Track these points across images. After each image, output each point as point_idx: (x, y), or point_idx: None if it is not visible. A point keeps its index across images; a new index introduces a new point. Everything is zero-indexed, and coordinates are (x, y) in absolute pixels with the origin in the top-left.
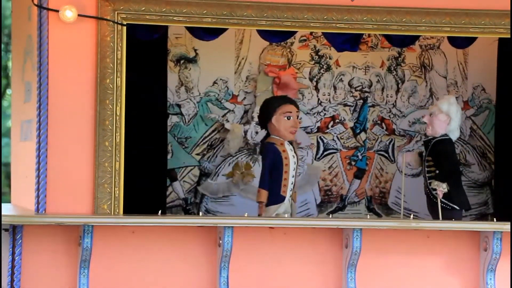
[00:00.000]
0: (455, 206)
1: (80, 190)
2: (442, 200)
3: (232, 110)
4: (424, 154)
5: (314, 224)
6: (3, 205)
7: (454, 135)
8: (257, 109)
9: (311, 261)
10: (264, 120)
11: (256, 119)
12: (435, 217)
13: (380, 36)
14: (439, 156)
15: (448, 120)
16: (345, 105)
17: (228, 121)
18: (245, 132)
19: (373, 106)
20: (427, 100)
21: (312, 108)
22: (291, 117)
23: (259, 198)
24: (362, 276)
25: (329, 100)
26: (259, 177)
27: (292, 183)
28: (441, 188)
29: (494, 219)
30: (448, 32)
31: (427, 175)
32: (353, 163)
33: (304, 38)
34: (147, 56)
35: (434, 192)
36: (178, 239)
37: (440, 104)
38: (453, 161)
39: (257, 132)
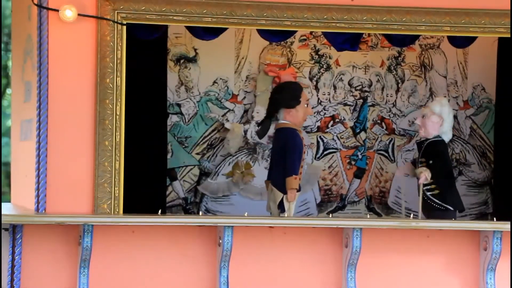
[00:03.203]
0: (449, 207)
1: (80, 189)
2: (436, 201)
3: (232, 110)
4: (417, 155)
5: (314, 223)
6: (3, 204)
7: (447, 136)
8: (257, 108)
9: (311, 261)
10: (289, 105)
11: (256, 118)
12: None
13: (380, 36)
14: (433, 157)
15: (440, 121)
16: (345, 104)
17: (228, 121)
18: (245, 131)
19: (373, 105)
20: (427, 100)
21: (312, 108)
22: (308, 105)
23: (293, 185)
24: (362, 276)
25: (329, 100)
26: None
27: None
28: (426, 174)
29: (494, 218)
30: (448, 31)
31: None
32: (353, 162)
33: (304, 37)
34: (147, 55)
35: (429, 194)
36: (178, 238)
37: (433, 106)
38: (446, 162)
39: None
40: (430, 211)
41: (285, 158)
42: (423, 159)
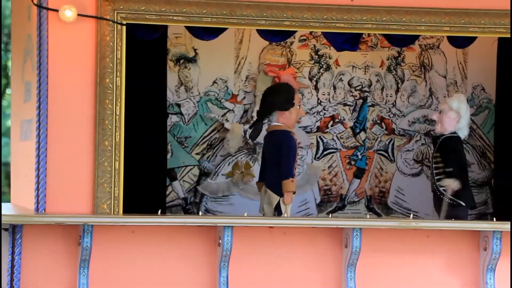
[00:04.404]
0: (462, 203)
1: (80, 189)
2: (449, 196)
3: (232, 110)
4: (432, 150)
5: (314, 223)
6: (3, 204)
7: (463, 133)
8: (257, 109)
9: (311, 261)
10: (283, 107)
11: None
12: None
13: (380, 36)
14: (448, 153)
15: (457, 117)
16: (345, 104)
17: (228, 121)
18: (245, 131)
19: (372, 105)
20: (427, 100)
21: (312, 108)
22: (300, 106)
23: (291, 188)
24: (362, 276)
25: (329, 100)
26: (259, 176)
27: None
28: (453, 186)
29: (494, 218)
30: (447, 31)
31: (434, 171)
32: (352, 162)
33: (304, 37)
34: (146, 55)
35: (441, 189)
36: (178, 238)
37: (450, 102)
38: (461, 158)
39: None
40: (442, 206)
41: (279, 160)
42: (437, 154)
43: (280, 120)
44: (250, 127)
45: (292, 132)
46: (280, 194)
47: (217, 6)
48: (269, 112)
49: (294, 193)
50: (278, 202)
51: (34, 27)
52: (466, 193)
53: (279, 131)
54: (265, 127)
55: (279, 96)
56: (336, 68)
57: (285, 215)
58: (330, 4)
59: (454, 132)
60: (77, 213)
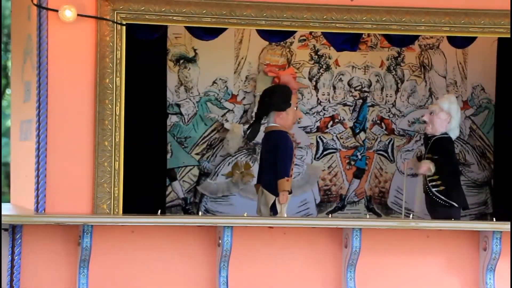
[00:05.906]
0: (454, 203)
1: (80, 189)
2: (441, 197)
3: (232, 110)
4: (424, 151)
5: (314, 224)
6: (3, 204)
7: (454, 134)
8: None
9: (311, 261)
10: (280, 108)
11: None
12: (434, 216)
13: (380, 36)
14: (439, 154)
15: (449, 118)
16: (345, 104)
17: (228, 121)
18: (245, 131)
19: (372, 105)
20: (427, 100)
21: (312, 108)
22: (297, 107)
23: (285, 187)
24: (362, 276)
25: (329, 100)
26: (256, 178)
27: None
28: (431, 166)
29: (494, 218)
30: (447, 32)
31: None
32: (352, 162)
33: (304, 37)
34: (146, 56)
35: (434, 190)
36: (177, 238)
37: (441, 103)
38: (452, 159)
39: None
40: (435, 207)
41: (276, 160)
42: (429, 155)
43: (277, 120)
44: (247, 128)
45: (289, 133)
46: (276, 194)
47: (217, 6)
48: (266, 112)
49: (290, 193)
50: (274, 202)
51: (34, 27)
52: (458, 194)
53: (275, 131)
54: (263, 128)
55: (275, 97)
56: (336, 68)
57: (281, 215)
58: (330, 4)
59: (445, 133)
60: (77, 213)
